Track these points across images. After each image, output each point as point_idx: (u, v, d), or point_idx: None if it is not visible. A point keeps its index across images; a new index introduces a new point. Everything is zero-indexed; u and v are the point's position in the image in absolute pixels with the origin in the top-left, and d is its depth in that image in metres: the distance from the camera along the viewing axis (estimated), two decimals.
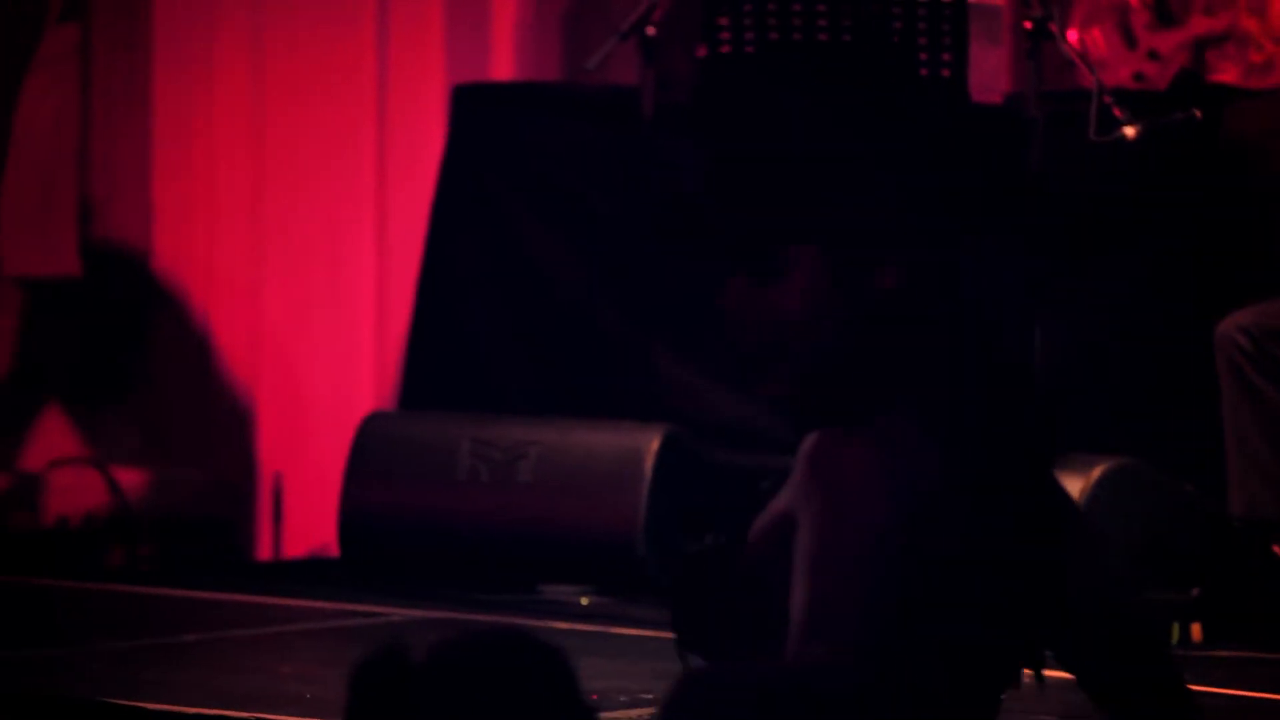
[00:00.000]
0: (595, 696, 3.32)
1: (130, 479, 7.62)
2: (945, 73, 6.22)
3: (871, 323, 2.69)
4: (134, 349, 8.14)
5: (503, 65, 8.05)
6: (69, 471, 7.50)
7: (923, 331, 2.71)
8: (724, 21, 6.35)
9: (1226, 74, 6.57)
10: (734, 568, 2.82)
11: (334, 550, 6.75)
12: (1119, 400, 6.32)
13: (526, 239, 7.02)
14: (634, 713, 4.74)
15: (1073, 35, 6.41)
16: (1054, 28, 6.16)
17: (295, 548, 7.65)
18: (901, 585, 2.59)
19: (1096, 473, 5.57)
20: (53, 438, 7.90)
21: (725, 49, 6.45)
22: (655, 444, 6.17)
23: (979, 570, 2.63)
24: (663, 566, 6.27)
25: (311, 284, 7.96)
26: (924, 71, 6.32)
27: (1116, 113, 5.97)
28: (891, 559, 2.61)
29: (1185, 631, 5.52)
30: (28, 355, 8.04)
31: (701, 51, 6.61)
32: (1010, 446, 2.74)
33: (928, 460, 2.67)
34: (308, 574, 6.96)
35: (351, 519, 6.50)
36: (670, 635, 2.92)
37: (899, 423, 2.68)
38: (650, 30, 6.37)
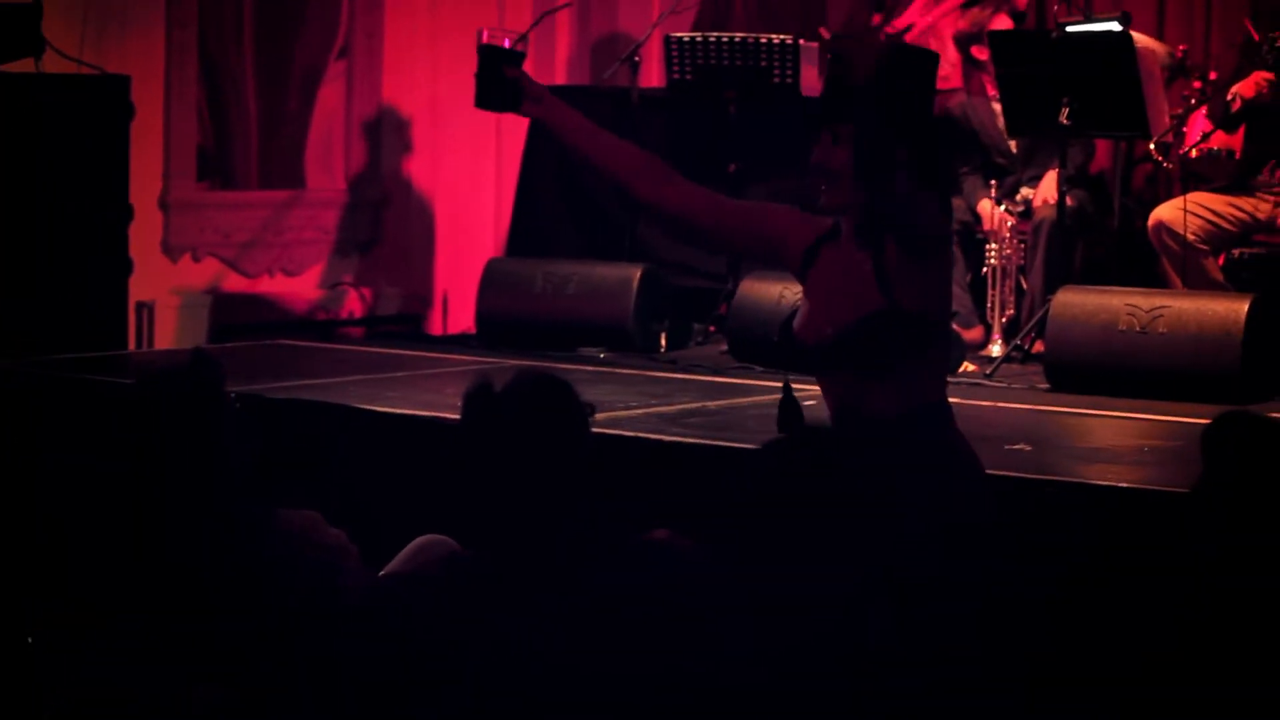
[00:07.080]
0: (593, 404, 3.29)
1: (372, 293, 9.42)
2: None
3: None
4: (377, 225, 9.50)
5: (560, 75, 9.75)
6: (350, 290, 9.32)
7: None
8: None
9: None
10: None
11: (473, 331, 8.05)
12: None
13: (570, 165, 8.01)
14: (621, 413, 5.38)
15: None
16: None
17: (453, 329, 9.33)
18: None
19: None
20: (340, 272, 9.31)
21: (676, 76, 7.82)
22: (639, 273, 7.58)
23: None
24: (644, 339, 7.46)
25: (461, 187, 9.61)
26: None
27: None
28: None
29: None
30: (342, 233, 9.42)
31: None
32: None
33: None
34: (460, 342, 8.12)
35: (482, 314, 7.80)
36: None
37: None
38: (637, 58, 8.39)
